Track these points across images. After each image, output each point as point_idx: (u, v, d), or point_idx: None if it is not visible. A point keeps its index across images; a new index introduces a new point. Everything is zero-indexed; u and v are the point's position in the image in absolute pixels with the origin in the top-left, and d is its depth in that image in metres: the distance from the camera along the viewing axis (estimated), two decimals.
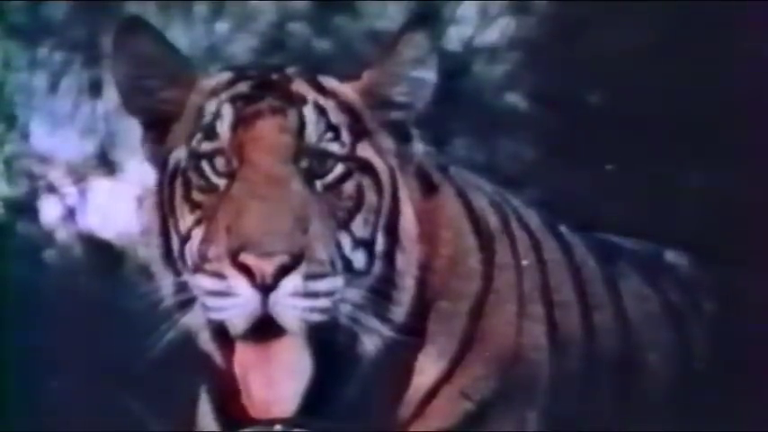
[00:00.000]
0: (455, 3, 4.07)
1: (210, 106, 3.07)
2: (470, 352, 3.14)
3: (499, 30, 4.08)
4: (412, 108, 3.13)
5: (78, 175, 4.06)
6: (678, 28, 3.93)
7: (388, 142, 3.12)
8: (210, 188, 3.02)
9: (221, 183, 3.01)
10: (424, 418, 3.13)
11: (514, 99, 4.08)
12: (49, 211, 4.08)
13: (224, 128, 3.03)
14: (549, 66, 4.04)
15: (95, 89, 4.09)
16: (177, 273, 3.05)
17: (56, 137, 4.08)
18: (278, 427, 2.97)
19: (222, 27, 4.12)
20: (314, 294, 2.93)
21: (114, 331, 3.72)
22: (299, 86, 3.09)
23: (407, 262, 3.09)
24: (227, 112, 3.04)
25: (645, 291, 3.46)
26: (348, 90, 3.12)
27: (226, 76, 3.15)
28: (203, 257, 2.97)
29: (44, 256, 4.06)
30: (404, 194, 3.11)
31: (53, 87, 4.09)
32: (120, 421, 3.74)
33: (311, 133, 3.02)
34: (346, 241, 3.00)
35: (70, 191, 4.06)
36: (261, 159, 2.98)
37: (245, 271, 2.90)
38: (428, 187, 3.20)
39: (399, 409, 3.13)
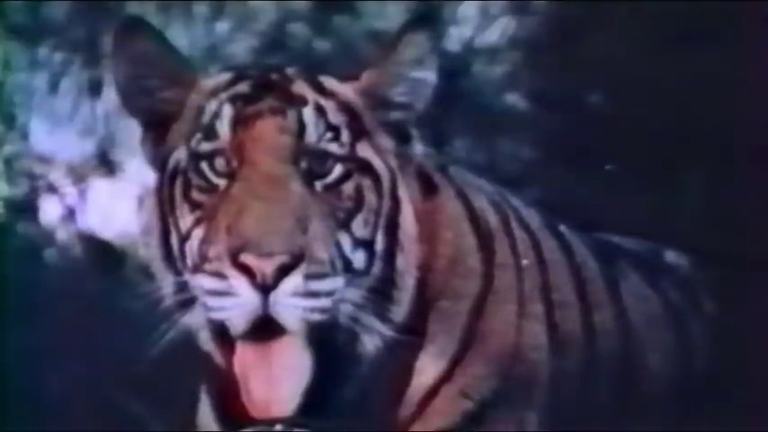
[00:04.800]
0: (455, 3, 4.07)
1: (210, 106, 3.07)
2: (470, 351, 3.14)
3: (499, 30, 4.08)
4: (412, 108, 3.13)
5: (78, 175, 4.07)
6: (678, 28, 3.93)
7: (387, 142, 3.12)
8: (210, 188, 3.02)
9: (221, 183, 3.01)
10: (424, 418, 3.13)
11: (514, 99, 4.09)
12: (49, 211, 4.08)
13: (224, 128, 3.03)
14: (549, 66, 4.04)
15: (95, 89, 4.09)
16: (177, 272, 3.05)
17: (56, 137, 4.08)
18: (278, 427, 2.97)
19: (222, 27, 4.12)
20: (314, 294, 2.92)
21: (114, 331, 3.72)
22: (299, 87, 3.08)
23: (407, 262, 3.09)
24: (227, 112, 3.04)
25: (645, 291, 3.46)
26: (348, 90, 3.12)
27: (226, 76, 3.15)
28: (203, 257, 2.97)
29: (44, 256, 4.07)
30: (404, 195, 3.11)
31: (53, 87, 4.09)
32: (120, 421, 3.74)
33: (311, 133, 3.02)
34: (346, 241, 3.00)
35: (70, 191, 4.07)
36: (261, 159, 2.98)
37: (246, 271, 2.90)
38: (428, 187, 3.20)
39: (399, 408, 3.13)
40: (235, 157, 3.00)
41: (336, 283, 2.96)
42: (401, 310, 3.08)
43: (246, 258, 2.89)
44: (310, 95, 3.07)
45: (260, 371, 2.97)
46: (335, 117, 3.06)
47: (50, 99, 4.08)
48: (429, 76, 3.13)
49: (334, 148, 3.03)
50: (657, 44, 3.93)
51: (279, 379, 2.97)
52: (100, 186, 4.07)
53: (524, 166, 4.01)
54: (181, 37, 3.95)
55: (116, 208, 4.02)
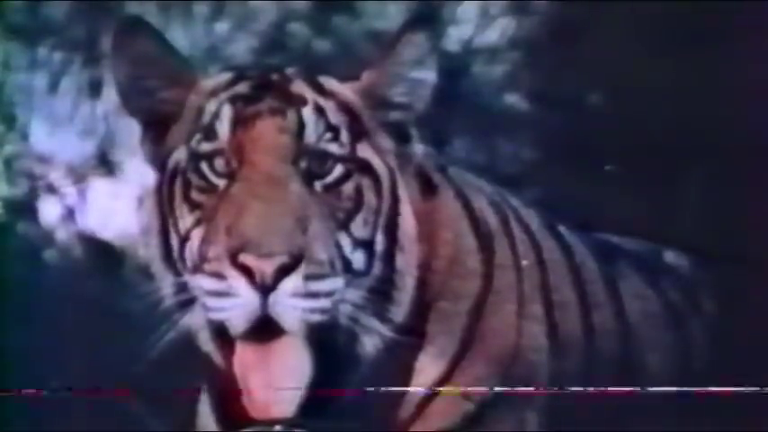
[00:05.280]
0: (455, 3, 4.07)
1: (210, 106, 3.07)
2: (470, 352, 3.14)
3: (499, 30, 4.07)
4: (411, 108, 3.14)
5: (78, 176, 4.06)
6: (678, 29, 3.92)
7: (387, 143, 3.12)
8: (210, 188, 3.02)
9: (221, 183, 3.02)
10: (424, 419, 3.13)
11: (514, 99, 4.08)
12: (49, 211, 4.07)
13: (223, 128, 3.04)
14: (549, 66, 4.03)
15: (95, 89, 4.08)
16: (177, 273, 3.06)
17: (55, 137, 4.07)
18: (278, 427, 2.97)
19: (222, 27, 4.11)
20: (314, 295, 2.93)
21: (114, 331, 3.72)
22: (299, 87, 3.09)
23: (407, 262, 3.09)
24: (227, 112, 3.05)
25: (645, 291, 3.46)
26: (347, 90, 3.12)
27: (225, 76, 3.16)
28: (203, 258, 2.97)
29: (44, 256, 4.06)
30: (403, 195, 3.11)
31: (53, 87, 4.09)
32: (120, 421, 3.74)
33: (310, 134, 3.03)
34: (346, 242, 3.01)
35: (70, 191, 4.06)
36: (260, 160, 2.98)
37: (245, 271, 2.90)
38: (428, 188, 3.21)
39: (399, 409, 3.13)
40: (234, 158, 3.00)
41: (336, 283, 2.96)
42: (401, 310, 3.09)
43: (246, 259, 2.90)
44: (310, 95, 3.07)
45: (260, 371, 2.97)
46: (335, 117, 3.06)
47: (50, 99, 4.08)
48: (429, 76, 3.14)
49: (333, 148, 3.04)
50: (657, 44, 3.93)
51: (279, 379, 2.97)
52: (100, 186, 4.06)
53: (524, 166, 4.00)
54: (181, 37, 3.94)
55: (116, 208, 4.02)
